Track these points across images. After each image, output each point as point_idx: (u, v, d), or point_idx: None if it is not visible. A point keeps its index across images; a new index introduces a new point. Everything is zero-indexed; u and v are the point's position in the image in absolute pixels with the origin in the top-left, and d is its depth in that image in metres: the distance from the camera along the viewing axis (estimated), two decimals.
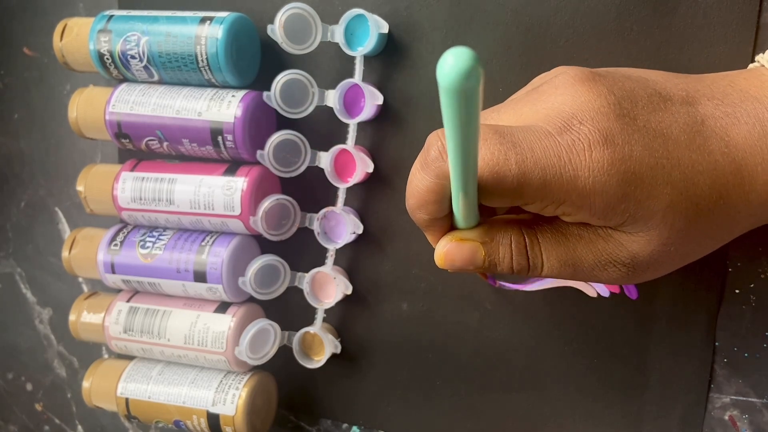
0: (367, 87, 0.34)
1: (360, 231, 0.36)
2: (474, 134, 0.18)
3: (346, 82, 0.34)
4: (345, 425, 0.40)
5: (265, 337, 0.36)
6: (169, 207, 0.36)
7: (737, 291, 0.32)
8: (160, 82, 0.37)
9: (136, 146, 0.37)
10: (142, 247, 0.37)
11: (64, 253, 0.39)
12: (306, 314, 0.38)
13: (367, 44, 0.33)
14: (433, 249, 0.26)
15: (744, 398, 0.33)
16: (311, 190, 0.37)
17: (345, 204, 0.36)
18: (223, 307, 0.37)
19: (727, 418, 0.33)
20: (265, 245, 0.38)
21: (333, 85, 0.34)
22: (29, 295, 0.47)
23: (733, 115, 0.23)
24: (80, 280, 0.45)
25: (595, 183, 0.22)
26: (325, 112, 0.35)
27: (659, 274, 0.25)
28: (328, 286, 0.37)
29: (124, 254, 0.37)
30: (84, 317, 0.39)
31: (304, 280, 0.36)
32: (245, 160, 0.36)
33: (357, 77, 0.34)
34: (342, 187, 0.35)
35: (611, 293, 0.32)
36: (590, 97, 0.23)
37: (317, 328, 0.37)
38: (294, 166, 0.35)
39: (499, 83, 0.34)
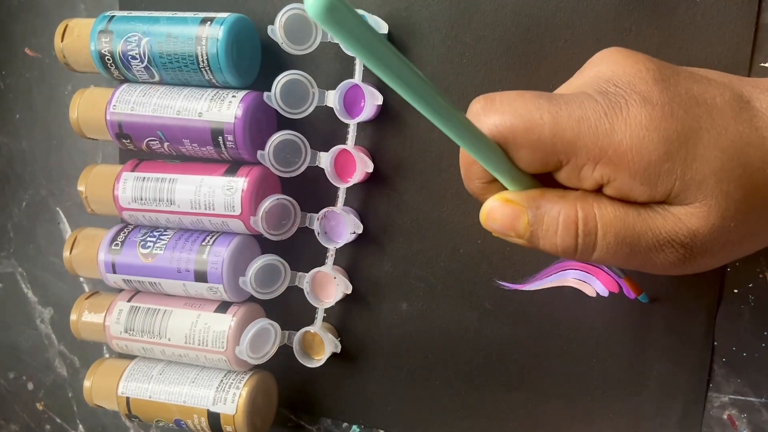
0: (367, 87, 0.34)
1: (360, 231, 0.36)
2: (415, 82, 0.19)
3: (346, 83, 0.34)
4: (345, 425, 0.40)
5: (265, 337, 0.36)
6: (170, 207, 0.36)
7: (736, 291, 0.32)
8: (161, 83, 0.37)
9: (137, 146, 0.37)
10: (143, 246, 0.37)
11: (65, 253, 0.39)
12: (306, 314, 0.38)
13: None
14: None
15: (743, 398, 0.33)
16: (311, 190, 0.37)
17: (345, 204, 0.36)
18: (223, 307, 0.37)
19: (725, 417, 0.33)
20: (265, 245, 0.38)
21: (333, 86, 0.34)
22: (30, 294, 0.47)
23: None
24: (81, 279, 0.45)
25: (633, 138, 0.21)
26: (325, 112, 0.35)
27: (715, 263, 0.23)
28: (328, 286, 0.37)
29: (125, 254, 0.37)
30: (85, 317, 0.39)
31: (305, 280, 0.36)
32: (246, 160, 0.36)
33: (357, 77, 0.34)
34: (342, 187, 0.35)
35: (610, 293, 0.32)
36: (628, 62, 0.23)
37: (317, 327, 0.37)
38: (294, 166, 0.35)
39: (499, 83, 0.34)
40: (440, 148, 0.35)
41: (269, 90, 0.34)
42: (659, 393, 0.34)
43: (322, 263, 0.36)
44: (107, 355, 0.45)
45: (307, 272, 0.36)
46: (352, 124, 0.35)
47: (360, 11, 0.33)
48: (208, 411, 0.37)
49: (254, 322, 0.36)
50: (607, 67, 0.23)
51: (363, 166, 0.35)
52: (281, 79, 0.34)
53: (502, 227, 0.24)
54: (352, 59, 0.34)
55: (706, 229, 0.22)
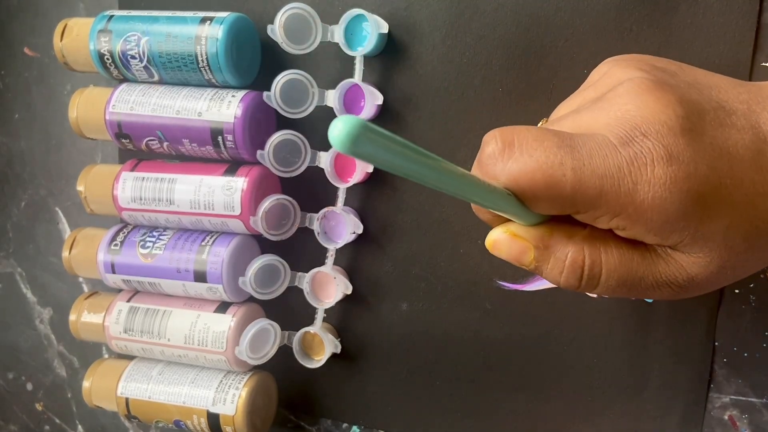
0: (367, 87, 0.34)
1: (360, 231, 0.36)
2: (426, 165, 0.19)
3: (346, 82, 0.34)
4: (345, 425, 0.40)
5: (265, 337, 0.36)
6: (170, 207, 0.36)
7: (737, 291, 0.32)
8: (161, 83, 0.37)
9: (136, 146, 0.37)
10: (143, 247, 0.37)
11: (65, 253, 0.39)
12: (306, 314, 0.38)
13: (367, 44, 0.33)
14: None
15: (744, 398, 0.33)
16: (311, 190, 0.37)
17: (345, 204, 0.36)
18: (223, 307, 0.37)
19: (726, 417, 0.33)
20: (265, 245, 0.38)
21: (333, 85, 0.34)
22: (30, 294, 0.47)
23: None
24: (80, 279, 0.45)
25: (655, 198, 0.21)
26: (325, 112, 0.35)
27: (706, 291, 0.24)
28: (328, 286, 0.37)
29: (125, 254, 0.37)
30: (84, 317, 0.39)
31: (304, 280, 0.36)
32: (245, 160, 0.36)
33: (357, 77, 0.34)
34: (342, 187, 0.35)
35: None
36: (657, 108, 0.22)
37: (317, 327, 0.37)
38: (294, 166, 0.35)
39: (499, 83, 0.34)
40: (441, 148, 0.35)
41: (269, 90, 0.34)
42: (660, 393, 0.34)
43: (322, 263, 0.36)
44: (106, 356, 0.45)
45: (307, 272, 0.36)
46: None
47: (360, 11, 0.33)
48: (208, 411, 0.37)
49: (254, 322, 0.36)
50: (636, 110, 0.22)
51: (363, 166, 0.35)
52: (281, 79, 0.33)
53: (507, 258, 0.24)
54: (352, 59, 0.34)
55: (703, 276, 0.23)
